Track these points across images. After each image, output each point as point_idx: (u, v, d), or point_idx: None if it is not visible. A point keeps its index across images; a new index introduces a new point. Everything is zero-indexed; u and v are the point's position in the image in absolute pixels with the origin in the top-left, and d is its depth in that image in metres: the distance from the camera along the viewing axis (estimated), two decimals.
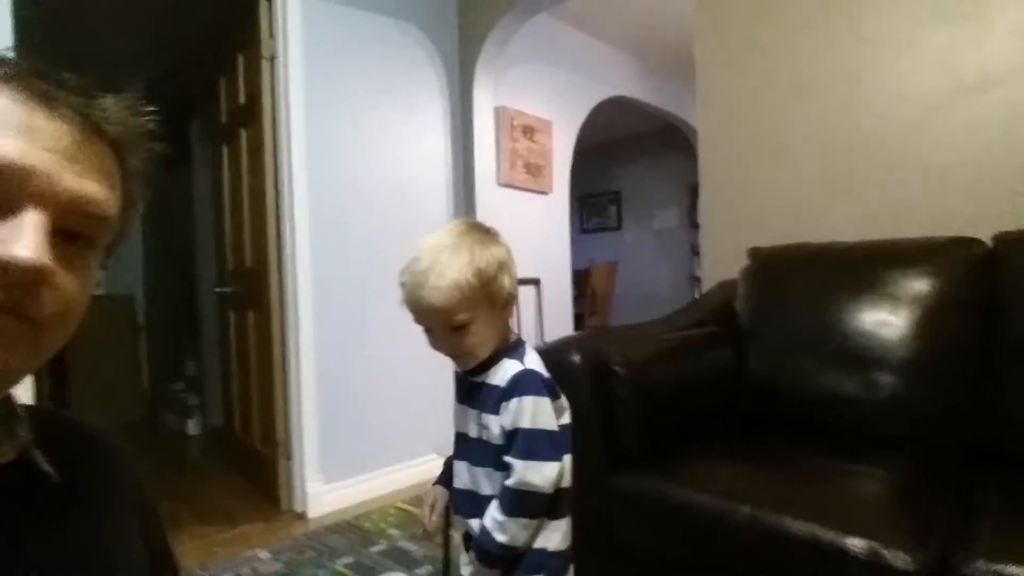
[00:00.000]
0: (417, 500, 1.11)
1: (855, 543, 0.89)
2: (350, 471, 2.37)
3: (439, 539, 1.75)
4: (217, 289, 2.90)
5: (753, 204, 2.00)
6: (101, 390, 3.87)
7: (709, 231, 2.11)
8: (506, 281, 0.91)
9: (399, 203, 2.62)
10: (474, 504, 0.94)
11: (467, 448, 0.96)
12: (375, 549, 1.91)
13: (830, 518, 0.95)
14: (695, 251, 5.80)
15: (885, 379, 1.36)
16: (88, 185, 0.39)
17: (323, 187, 2.37)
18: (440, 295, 0.84)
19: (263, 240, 2.38)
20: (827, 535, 0.93)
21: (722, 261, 1.99)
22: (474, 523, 0.94)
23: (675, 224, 6.06)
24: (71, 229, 0.39)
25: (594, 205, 6.56)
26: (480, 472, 0.94)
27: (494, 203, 2.97)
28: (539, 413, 0.87)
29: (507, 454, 0.88)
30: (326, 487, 2.29)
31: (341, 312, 2.41)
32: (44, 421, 0.46)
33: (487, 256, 0.88)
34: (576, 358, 1.30)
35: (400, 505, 2.28)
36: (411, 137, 2.68)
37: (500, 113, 2.98)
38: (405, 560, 1.82)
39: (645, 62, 4.08)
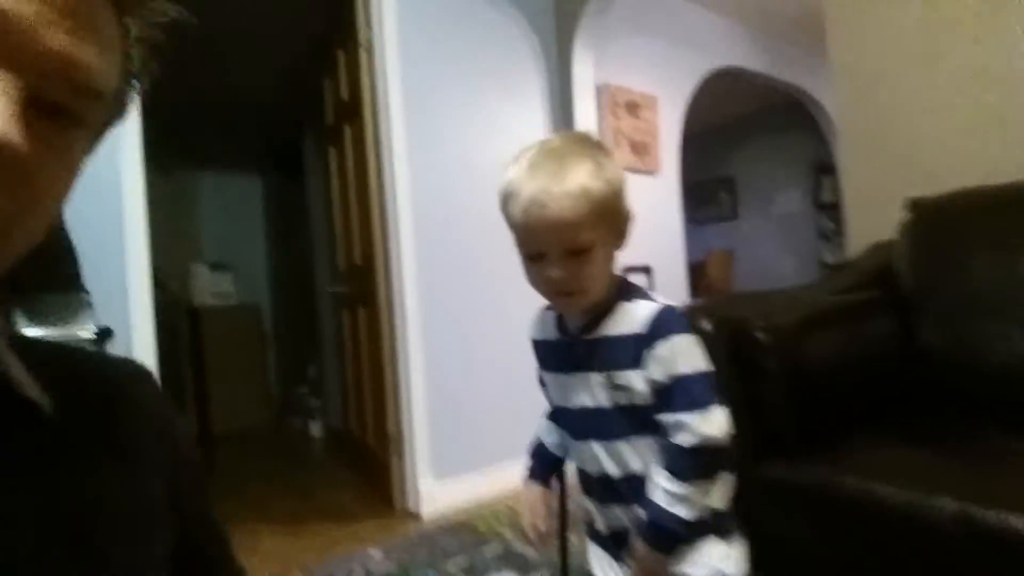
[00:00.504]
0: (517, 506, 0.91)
1: None
2: (462, 468, 2.30)
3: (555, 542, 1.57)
4: (330, 289, 2.96)
5: (903, 153, 1.71)
6: (233, 397, 4.11)
7: (853, 189, 1.83)
8: (626, 205, 0.77)
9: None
10: (620, 488, 0.78)
11: (593, 423, 0.79)
12: (488, 550, 1.80)
13: None
14: (823, 235, 5.28)
15: None
16: (80, 48, 0.30)
17: (425, 176, 2.33)
18: (569, 204, 0.68)
19: (369, 235, 2.38)
20: None
21: (870, 222, 1.71)
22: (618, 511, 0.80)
23: (798, 208, 5.54)
24: (54, 101, 0.30)
25: (705, 194, 6.16)
26: (622, 446, 0.77)
27: None
28: (695, 353, 0.73)
29: (660, 412, 0.73)
30: (438, 484, 2.23)
31: (447, 306, 2.35)
32: (52, 354, 0.39)
33: (612, 167, 0.74)
34: (707, 324, 1.11)
35: (513, 504, 2.17)
36: (510, 120, 2.59)
37: (602, 90, 2.82)
38: (519, 563, 1.69)
39: (755, 29, 3.73)
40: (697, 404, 0.70)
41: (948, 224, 1.41)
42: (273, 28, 3.00)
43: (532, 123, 2.66)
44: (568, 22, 2.66)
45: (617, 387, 0.75)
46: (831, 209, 5.06)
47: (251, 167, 4.93)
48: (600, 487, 0.80)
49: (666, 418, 0.72)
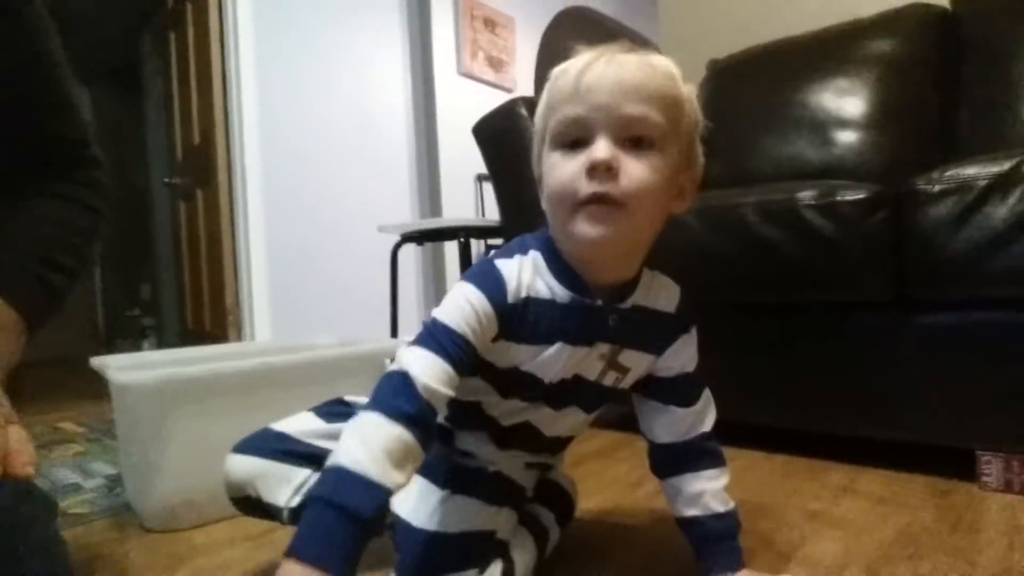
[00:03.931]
0: None
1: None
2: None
3: None
4: (166, 181, 2.77)
5: (709, 17, 1.92)
6: (51, 327, 3.71)
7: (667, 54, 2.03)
8: (699, 148, 0.58)
9: (352, 81, 2.54)
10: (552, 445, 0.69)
11: (574, 393, 0.62)
12: None
13: None
14: None
15: (846, 136, 1.32)
16: None
17: (272, 55, 2.28)
18: (644, 73, 0.52)
19: (210, 110, 2.28)
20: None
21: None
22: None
23: None
24: None
25: None
26: (581, 416, 0.66)
27: (455, 95, 2.88)
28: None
29: (677, 404, 0.63)
30: None
31: (292, 183, 2.32)
32: None
33: (694, 93, 0.57)
34: (522, 110, 1.22)
35: None
36: (363, 12, 2.59)
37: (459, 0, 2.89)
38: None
39: None
40: (701, 379, 0.65)
41: (733, 76, 1.63)
42: None
43: (388, 21, 2.68)
44: None
45: (616, 366, 0.61)
46: None
47: (79, 78, 4.43)
48: (542, 443, 0.67)
49: (692, 409, 0.63)
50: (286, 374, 0.90)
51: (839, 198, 0.86)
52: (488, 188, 2.96)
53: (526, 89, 3.34)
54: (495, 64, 3.10)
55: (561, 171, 0.52)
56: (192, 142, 2.49)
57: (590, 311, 0.57)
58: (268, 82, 2.28)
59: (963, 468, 0.88)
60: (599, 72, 0.52)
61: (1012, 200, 0.73)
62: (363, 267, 2.46)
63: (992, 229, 0.75)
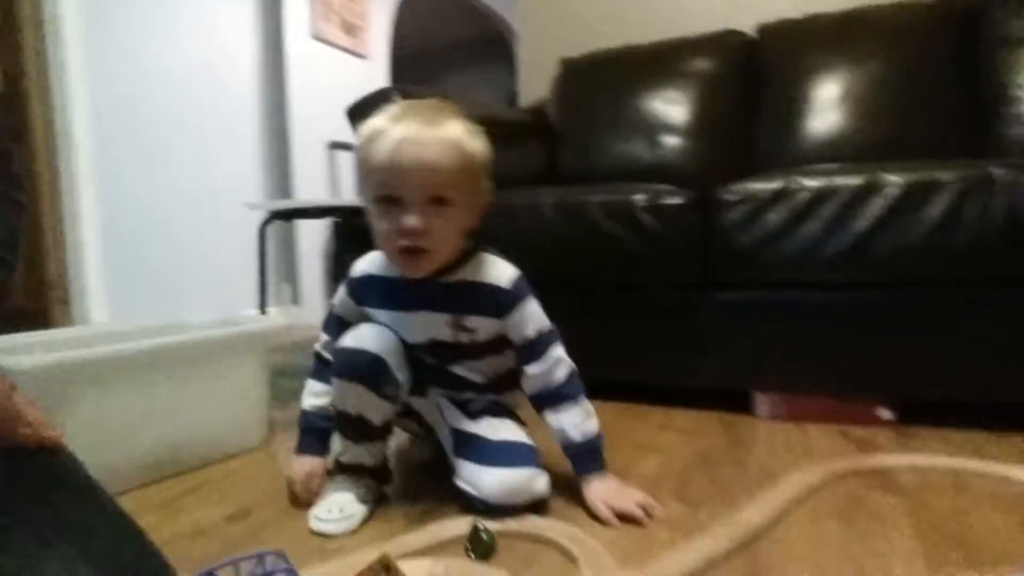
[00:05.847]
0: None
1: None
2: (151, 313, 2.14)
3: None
4: None
5: (566, 16, 2.06)
6: None
7: (526, 48, 2.16)
8: (487, 184, 0.78)
9: (196, 36, 2.36)
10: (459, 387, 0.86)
11: (435, 350, 0.82)
12: None
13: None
14: None
15: (671, 141, 1.57)
16: None
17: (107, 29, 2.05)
18: (439, 150, 0.70)
19: (17, 54, 2.00)
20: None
21: (538, 82, 2.04)
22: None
23: None
24: None
25: None
26: (462, 367, 0.84)
27: (307, 58, 2.79)
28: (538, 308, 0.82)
29: (528, 363, 0.81)
30: None
31: (128, 144, 2.13)
32: None
33: (482, 140, 0.76)
34: (398, 99, 1.30)
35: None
36: None
37: None
38: None
39: None
40: (552, 341, 0.81)
41: (584, 75, 1.82)
42: None
43: None
44: None
45: (464, 328, 0.79)
46: None
47: None
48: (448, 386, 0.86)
49: (538, 366, 0.80)
50: (183, 353, 0.92)
51: (663, 201, 1.08)
52: (341, 155, 2.94)
53: (380, 57, 3.33)
54: (349, 29, 3.04)
55: (380, 224, 0.74)
56: None
57: (410, 284, 0.78)
58: (96, 28, 2.04)
59: (744, 405, 1.17)
60: (407, 154, 0.69)
61: (783, 210, 1.00)
62: (210, 238, 2.35)
63: (770, 231, 1.02)
